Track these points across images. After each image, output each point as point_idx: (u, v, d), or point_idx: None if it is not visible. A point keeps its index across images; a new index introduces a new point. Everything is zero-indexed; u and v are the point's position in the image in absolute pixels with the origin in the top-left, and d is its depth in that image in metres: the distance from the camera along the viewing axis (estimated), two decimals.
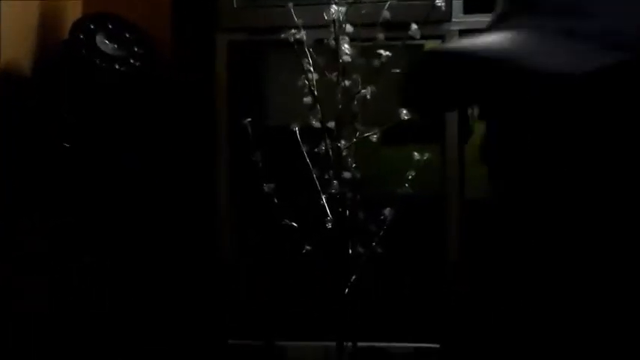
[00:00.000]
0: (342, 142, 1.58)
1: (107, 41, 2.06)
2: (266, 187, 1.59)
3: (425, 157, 1.86)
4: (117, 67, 2.04)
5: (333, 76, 1.57)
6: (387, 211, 1.66)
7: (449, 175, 2.25)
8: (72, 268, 2.02)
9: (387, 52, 1.55)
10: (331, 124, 1.60)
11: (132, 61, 2.08)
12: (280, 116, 2.22)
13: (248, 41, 2.32)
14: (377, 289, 1.92)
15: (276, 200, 1.60)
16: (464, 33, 2.22)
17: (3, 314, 1.90)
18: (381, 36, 1.75)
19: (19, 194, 1.98)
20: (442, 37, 2.23)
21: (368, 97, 1.56)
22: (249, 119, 1.62)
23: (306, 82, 1.63)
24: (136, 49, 2.10)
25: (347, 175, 1.75)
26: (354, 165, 1.80)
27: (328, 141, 1.58)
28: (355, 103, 1.76)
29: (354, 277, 1.58)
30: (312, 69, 1.63)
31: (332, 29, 1.57)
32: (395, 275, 2.01)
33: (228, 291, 2.18)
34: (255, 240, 2.14)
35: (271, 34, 2.15)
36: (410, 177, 1.85)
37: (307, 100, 1.72)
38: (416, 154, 1.69)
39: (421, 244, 2.11)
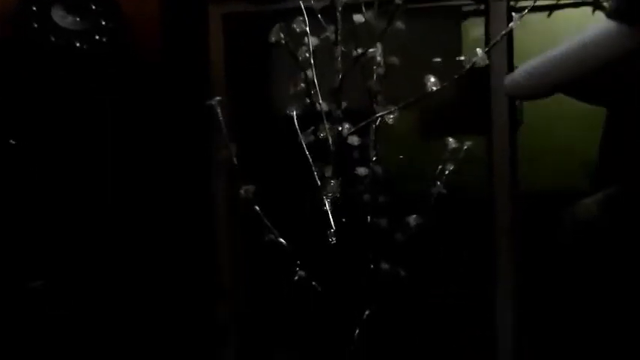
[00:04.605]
0: (346, 125, 1.15)
1: (66, 13, 1.67)
2: (243, 191, 1.16)
3: (465, 147, 1.42)
4: (77, 44, 1.65)
5: (330, 32, 1.13)
6: (412, 218, 1.21)
7: (497, 171, 1.81)
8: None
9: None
10: (330, 106, 1.16)
11: (97, 37, 1.68)
12: (284, 99, 1.81)
13: (245, 13, 1.92)
14: (403, 325, 1.48)
15: (257, 208, 1.17)
16: None
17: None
18: None
19: None
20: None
21: (379, 58, 1.12)
22: (219, 98, 1.19)
23: (304, 47, 1.20)
24: (103, 23, 1.71)
25: (362, 171, 1.32)
26: (374, 158, 1.36)
27: (327, 125, 1.15)
28: (374, 78, 1.33)
29: (367, 312, 1.14)
30: (307, 29, 1.19)
31: None
32: (428, 304, 1.57)
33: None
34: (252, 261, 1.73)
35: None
36: (447, 172, 1.41)
37: (309, 74, 1.29)
38: (451, 140, 1.24)
39: (464, 264, 1.67)
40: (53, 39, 1.62)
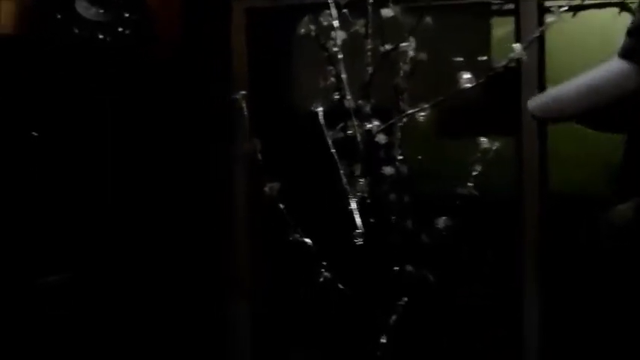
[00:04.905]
0: (376, 122, 1.11)
1: (90, 4, 1.65)
2: (267, 189, 1.13)
3: (494, 147, 1.37)
4: (101, 36, 1.62)
5: (359, 26, 1.09)
6: (442, 220, 1.17)
7: (527, 171, 1.76)
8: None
9: None
10: (360, 102, 1.12)
11: (121, 29, 1.66)
12: (307, 95, 1.77)
13: (269, 7, 1.88)
14: (430, 330, 1.44)
15: (282, 206, 1.14)
16: None
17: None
18: None
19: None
20: None
21: (411, 53, 1.08)
22: (244, 92, 1.16)
23: (330, 40, 1.16)
24: (126, 15, 1.68)
25: (389, 170, 1.28)
26: (399, 157, 1.32)
27: (356, 122, 1.11)
28: (401, 74, 1.29)
29: (394, 317, 1.10)
30: (335, 23, 1.16)
31: None
32: (457, 308, 1.52)
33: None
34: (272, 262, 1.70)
35: None
36: (475, 173, 1.37)
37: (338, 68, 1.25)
38: (484, 139, 1.19)
39: (491, 267, 1.62)
40: (77, 31, 1.59)
